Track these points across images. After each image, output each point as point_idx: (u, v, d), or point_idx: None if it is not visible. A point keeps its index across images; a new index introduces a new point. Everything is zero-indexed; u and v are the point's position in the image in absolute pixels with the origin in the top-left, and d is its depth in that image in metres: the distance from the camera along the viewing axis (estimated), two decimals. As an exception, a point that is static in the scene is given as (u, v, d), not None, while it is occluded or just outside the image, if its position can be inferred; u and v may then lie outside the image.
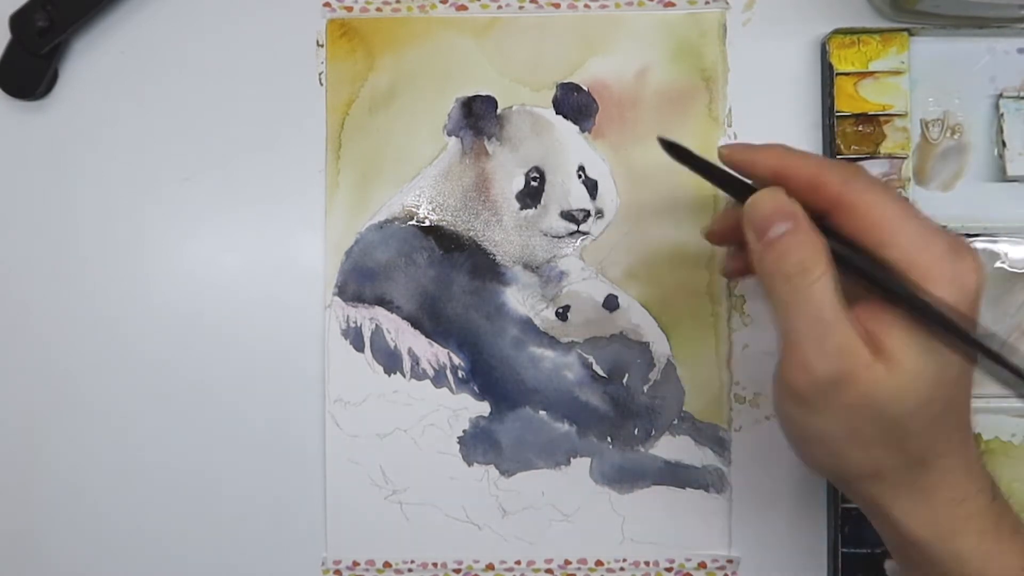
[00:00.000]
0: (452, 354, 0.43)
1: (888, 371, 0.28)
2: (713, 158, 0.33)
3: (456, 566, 0.44)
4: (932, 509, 0.30)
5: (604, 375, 0.43)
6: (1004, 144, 0.42)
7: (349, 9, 0.44)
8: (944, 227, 0.31)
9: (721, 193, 0.43)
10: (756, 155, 0.31)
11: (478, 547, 0.43)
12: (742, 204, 0.31)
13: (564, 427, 0.43)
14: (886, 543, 0.33)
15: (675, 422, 0.43)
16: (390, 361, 0.44)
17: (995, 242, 0.43)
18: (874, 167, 0.42)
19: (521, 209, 0.44)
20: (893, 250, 0.29)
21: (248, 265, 0.44)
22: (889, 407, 0.29)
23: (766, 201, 0.30)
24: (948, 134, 0.43)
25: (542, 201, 0.44)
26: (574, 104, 0.44)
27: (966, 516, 0.30)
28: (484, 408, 0.43)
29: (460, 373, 0.43)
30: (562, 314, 0.43)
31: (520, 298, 0.44)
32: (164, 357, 0.44)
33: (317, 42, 0.44)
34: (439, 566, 0.44)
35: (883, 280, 0.29)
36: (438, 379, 0.43)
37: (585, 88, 0.44)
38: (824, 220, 0.30)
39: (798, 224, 0.29)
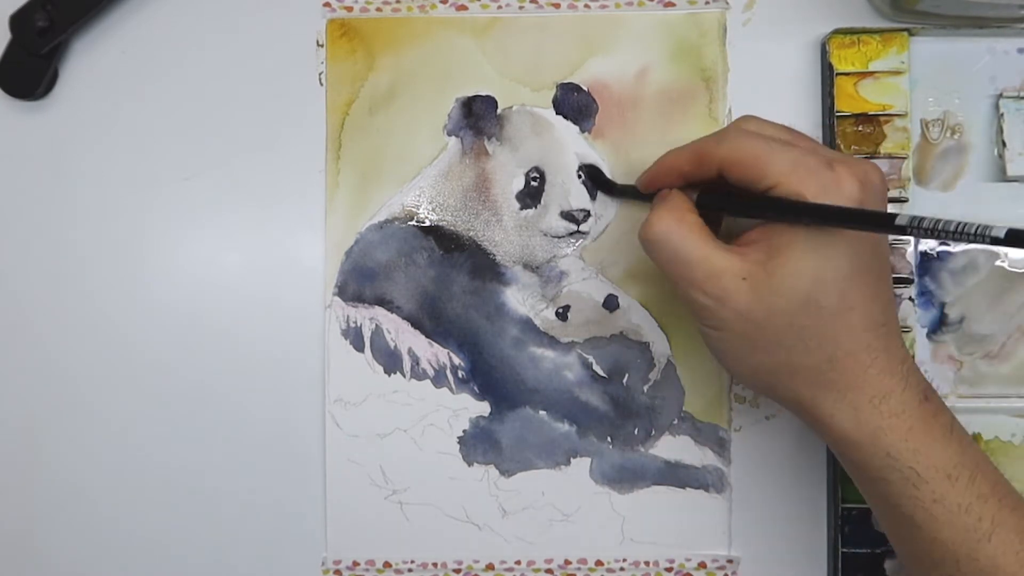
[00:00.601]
0: (452, 354, 0.43)
1: (766, 278, 0.32)
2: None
3: (456, 566, 0.44)
4: (854, 407, 0.32)
5: (604, 375, 0.43)
6: (1004, 144, 0.42)
7: (349, 9, 0.44)
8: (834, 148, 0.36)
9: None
10: (656, 170, 0.37)
11: (478, 547, 0.43)
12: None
13: (564, 427, 0.43)
14: (829, 446, 0.35)
15: (675, 422, 0.43)
16: (390, 361, 0.44)
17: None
18: (874, 167, 0.42)
19: (521, 209, 0.44)
20: (768, 179, 0.32)
21: (248, 265, 0.44)
22: (775, 309, 0.32)
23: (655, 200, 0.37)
24: (948, 134, 0.43)
25: (542, 201, 0.44)
26: (574, 104, 0.44)
27: (891, 413, 0.32)
28: (484, 408, 0.43)
29: (460, 373, 0.43)
30: (562, 314, 0.43)
31: (520, 298, 0.44)
32: (164, 357, 0.44)
33: (317, 42, 0.44)
34: (439, 566, 0.44)
35: (757, 205, 0.33)
36: (438, 379, 0.43)
37: (585, 88, 0.44)
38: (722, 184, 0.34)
39: (663, 196, 0.36)
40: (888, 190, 0.34)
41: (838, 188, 0.31)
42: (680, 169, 0.35)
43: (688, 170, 0.35)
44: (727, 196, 0.34)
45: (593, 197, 0.43)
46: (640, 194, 0.39)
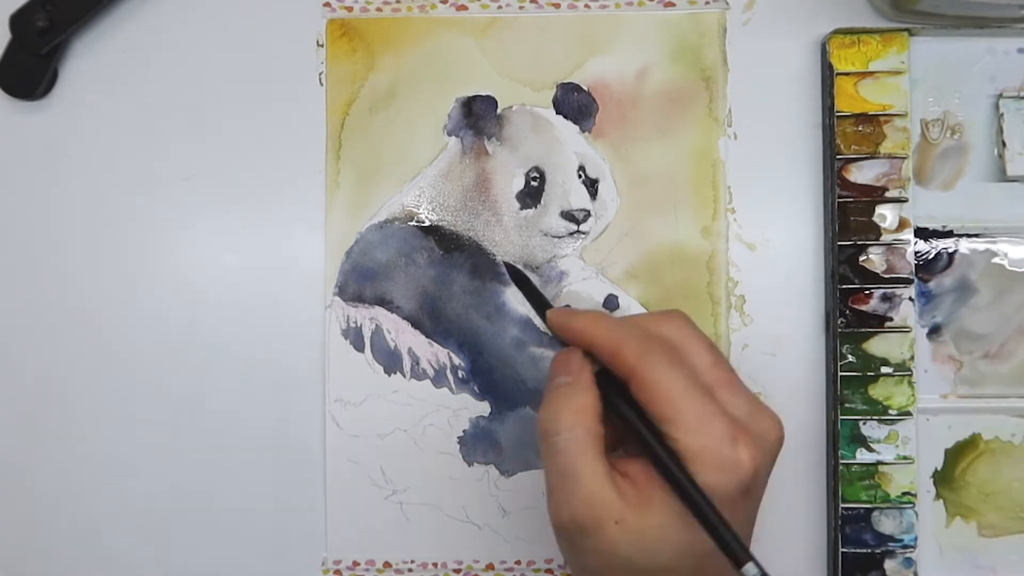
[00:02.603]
0: (452, 354, 0.43)
1: (639, 524, 0.31)
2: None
3: (456, 566, 0.44)
4: None
5: (604, 375, 0.43)
6: (1004, 144, 0.42)
7: (349, 9, 0.44)
8: (747, 401, 0.33)
9: (722, 193, 0.43)
10: (570, 323, 0.34)
11: (478, 547, 0.43)
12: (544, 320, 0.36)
13: (564, 427, 0.43)
14: None
15: (675, 422, 0.43)
16: (390, 361, 0.44)
17: (995, 242, 0.43)
18: (874, 167, 0.42)
19: (521, 209, 0.44)
20: (672, 427, 0.30)
21: (248, 265, 0.44)
22: (636, 559, 0.31)
23: (560, 355, 0.34)
24: (948, 134, 0.43)
25: (542, 201, 0.44)
26: (574, 104, 0.44)
27: None
28: (484, 408, 0.43)
29: (460, 373, 0.43)
30: (562, 314, 0.43)
31: (520, 298, 0.43)
32: (163, 357, 0.44)
33: (317, 42, 0.44)
34: (439, 566, 0.44)
35: (651, 450, 0.31)
36: (438, 379, 0.43)
37: (585, 88, 0.44)
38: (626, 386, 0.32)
39: (577, 380, 0.32)
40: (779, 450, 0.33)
41: (734, 468, 0.30)
42: (596, 345, 0.33)
43: (599, 353, 0.33)
44: (626, 407, 0.32)
45: (593, 197, 0.43)
46: (539, 308, 0.37)
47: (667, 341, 0.33)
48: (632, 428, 0.32)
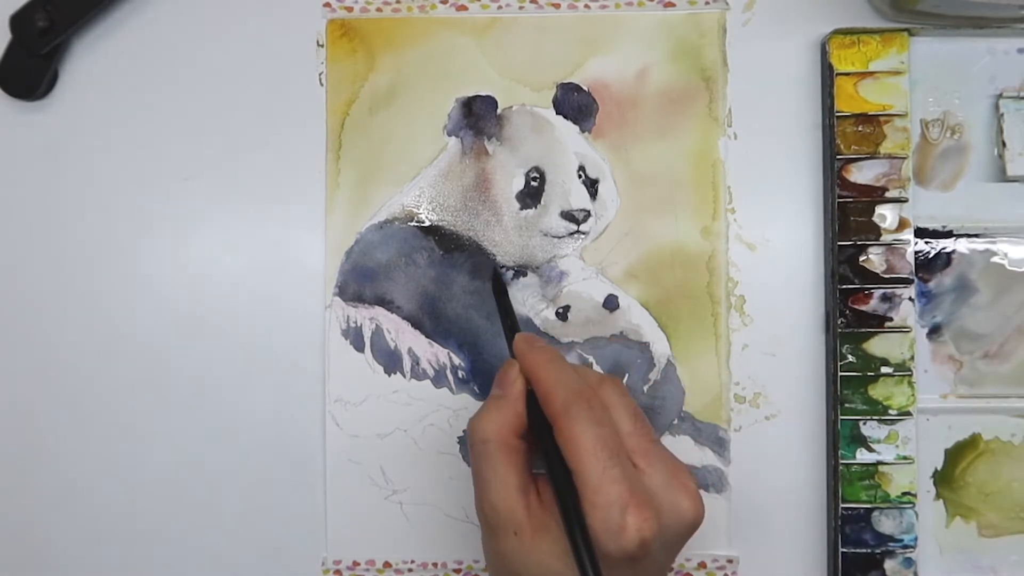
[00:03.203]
0: (452, 354, 0.43)
1: (531, 542, 0.32)
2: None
3: (456, 566, 0.44)
4: None
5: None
6: (1004, 144, 0.42)
7: (349, 9, 0.44)
8: (665, 475, 0.34)
9: (722, 193, 0.43)
10: (525, 354, 0.36)
11: (478, 547, 0.43)
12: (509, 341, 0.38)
13: (564, 427, 0.43)
14: None
15: (675, 422, 0.43)
16: (390, 361, 0.44)
17: (995, 242, 0.43)
18: (874, 167, 0.42)
19: (521, 209, 0.44)
20: (577, 479, 0.32)
21: (248, 265, 0.44)
22: (520, 573, 0.33)
23: (504, 366, 0.36)
24: (948, 134, 0.43)
25: (542, 201, 0.44)
26: (574, 104, 0.44)
27: None
28: (484, 408, 0.43)
29: (460, 373, 0.43)
30: (562, 314, 0.43)
31: (520, 298, 0.44)
32: (164, 357, 0.44)
33: (317, 42, 0.44)
34: (439, 566, 0.44)
35: (554, 483, 0.33)
36: (438, 379, 0.43)
37: (585, 88, 0.44)
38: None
39: (506, 395, 0.35)
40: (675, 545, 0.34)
41: (618, 535, 0.31)
42: (534, 384, 0.35)
43: (537, 393, 0.35)
44: (543, 441, 0.34)
45: (593, 197, 0.43)
46: (508, 329, 0.39)
47: (596, 397, 0.34)
48: (546, 462, 0.34)
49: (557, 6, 0.44)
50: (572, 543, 0.31)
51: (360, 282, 0.44)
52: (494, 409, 0.34)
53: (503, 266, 0.44)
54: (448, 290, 0.43)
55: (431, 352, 0.43)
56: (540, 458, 0.34)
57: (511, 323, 0.40)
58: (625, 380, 0.43)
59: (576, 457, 0.32)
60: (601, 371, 0.43)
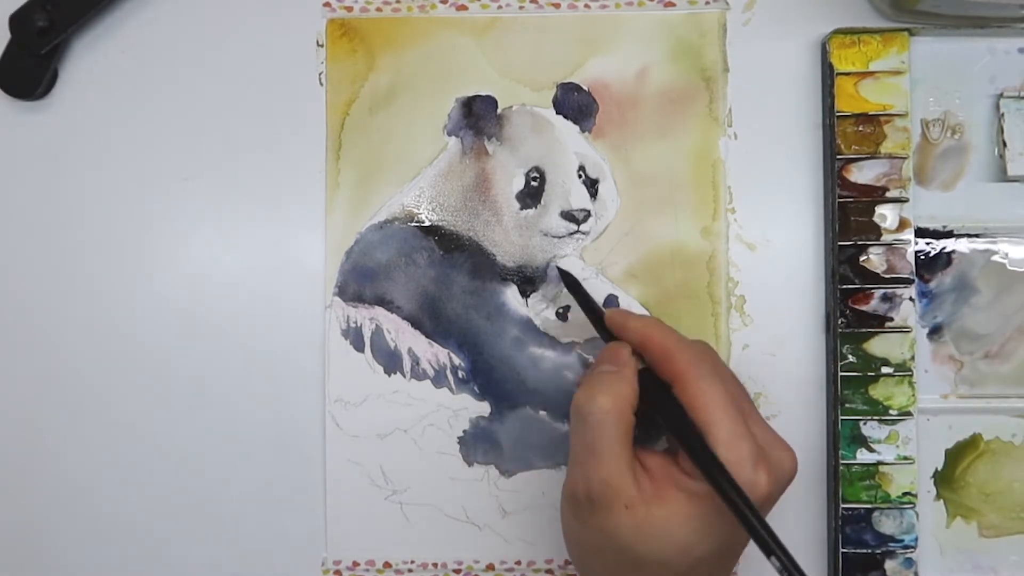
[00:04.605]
0: (452, 354, 0.43)
1: (644, 520, 0.32)
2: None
3: (456, 566, 0.44)
4: None
5: (604, 375, 0.43)
6: (1004, 144, 0.42)
7: (349, 9, 0.44)
8: (766, 431, 0.35)
9: (723, 193, 0.43)
10: (628, 322, 0.36)
11: (478, 547, 0.43)
12: (599, 326, 0.38)
13: (564, 427, 0.43)
14: None
15: (675, 422, 0.43)
16: (390, 361, 0.43)
17: (995, 242, 0.43)
18: (874, 167, 0.42)
19: (521, 209, 0.44)
20: (708, 436, 0.32)
21: (248, 265, 0.44)
22: (634, 546, 0.32)
23: (611, 346, 0.36)
24: (948, 134, 0.43)
25: (542, 201, 0.44)
26: (574, 104, 0.44)
27: None
28: (484, 408, 0.43)
29: (460, 373, 0.43)
30: (562, 314, 0.43)
31: (520, 298, 0.43)
32: (164, 357, 0.44)
33: (317, 42, 0.44)
34: (439, 566, 0.44)
35: (686, 445, 0.33)
36: (438, 379, 0.43)
37: (585, 88, 0.44)
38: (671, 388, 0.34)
39: (621, 371, 0.35)
40: (792, 479, 0.35)
41: (752, 488, 0.32)
42: (650, 347, 0.35)
43: (651, 355, 0.35)
44: (663, 406, 0.34)
45: (593, 197, 0.43)
46: (591, 314, 0.39)
47: (714, 357, 0.35)
48: (672, 426, 0.34)
49: (557, 6, 0.44)
50: (720, 492, 0.31)
51: (360, 282, 0.44)
52: (611, 382, 0.34)
53: (503, 266, 0.43)
54: (448, 290, 0.43)
55: (431, 352, 0.43)
56: (646, 431, 0.35)
57: (594, 308, 0.39)
58: (625, 380, 0.43)
59: (708, 412, 0.32)
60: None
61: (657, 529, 0.32)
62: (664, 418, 0.34)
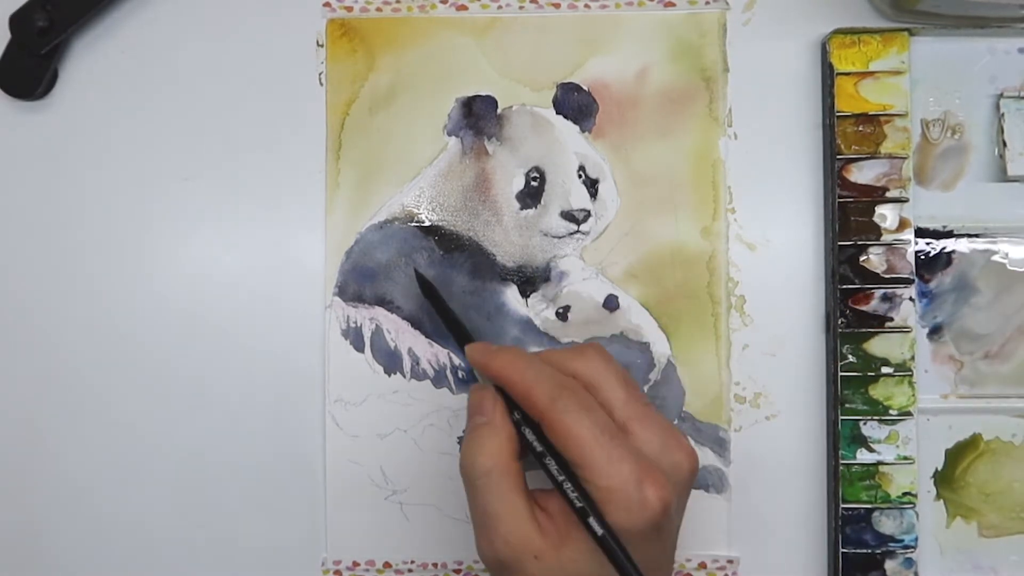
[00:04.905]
0: (452, 354, 0.43)
1: (556, 559, 0.32)
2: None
3: (456, 566, 0.44)
4: None
5: (604, 375, 0.43)
6: (1005, 144, 0.42)
7: (349, 9, 0.44)
8: (658, 434, 0.33)
9: (723, 193, 0.43)
10: (488, 361, 0.34)
11: (478, 547, 0.43)
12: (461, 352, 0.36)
13: (564, 427, 0.43)
14: None
15: (675, 422, 0.43)
16: (390, 361, 0.43)
17: (995, 242, 0.43)
18: (874, 167, 0.42)
19: (521, 209, 0.44)
20: (581, 470, 0.31)
21: (248, 265, 0.44)
22: None
23: (474, 393, 0.35)
24: (949, 134, 0.43)
25: (542, 201, 0.44)
26: (574, 104, 0.44)
27: None
28: (484, 408, 0.43)
29: (460, 373, 0.43)
30: (562, 314, 0.43)
31: (520, 298, 0.43)
32: (164, 357, 0.44)
33: (317, 42, 0.44)
34: (439, 566, 0.44)
35: (564, 493, 0.32)
36: (438, 379, 0.43)
37: (585, 88, 0.44)
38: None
39: (491, 421, 0.33)
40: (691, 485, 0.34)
41: (642, 509, 0.31)
42: (510, 386, 0.33)
43: (514, 394, 0.33)
44: (540, 447, 0.33)
45: (593, 197, 0.43)
46: (458, 336, 0.38)
47: (581, 380, 0.33)
48: (545, 471, 0.33)
49: (557, 6, 0.44)
50: (595, 538, 0.31)
51: (360, 282, 0.44)
52: (484, 437, 0.33)
53: (503, 266, 0.43)
54: (448, 290, 0.43)
55: (431, 352, 0.43)
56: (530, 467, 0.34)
57: (458, 331, 0.38)
58: (625, 380, 0.43)
59: (577, 449, 0.31)
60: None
61: (574, 567, 0.32)
62: (538, 461, 0.33)
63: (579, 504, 0.31)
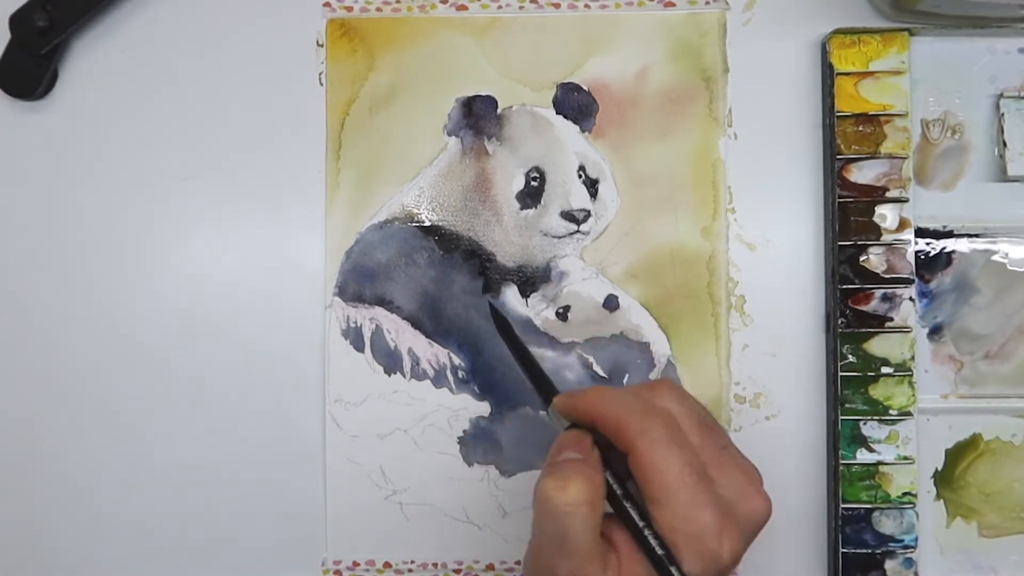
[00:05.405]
0: (452, 354, 0.43)
1: None
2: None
3: (456, 566, 0.44)
4: None
5: (604, 375, 0.43)
6: (1005, 144, 0.42)
7: (349, 9, 0.44)
8: (738, 476, 0.33)
9: (723, 193, 0.43)
10: (576, 401, 0.34)
11: (478, 547, 0.43)
12: (545, 403, 0.35)
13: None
14: None
15: (675, 422, 0.43)
16: (390, 361, 0.43)
17: (995, 242, 0.43)
18: (874, 167, 0.42)
19: (521, 209, 0.44)
20: (663, 510, 0.31)
21: (248, 265, 0.44)
22: None
23: (572, 434, 0.33)
24: (949, 134, 0.43)
25: (542, 201, 0.44)
26: (574, 104, 0.44)
27: None
28: (484, 408, 0.43)
29: (460, 373, 0.43)
30: (562, 314, 0.43)
31: (520, 299, 0.43)
32: (164, 357, 0.44)
33: (317, 42, 0.44)
34: (439, 566, 0.44)
35: (638, 536, 0.31)
36: (438, 379, 0.43)
37: (585, 88, 0.44)
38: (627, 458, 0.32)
39: (588, 459, 0.32)
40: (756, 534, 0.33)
41: (715, 560, 0.30)
42: (600, 419, 0.33)
43: (603, 427, 0.33)
44: (620, 492, 0.32)
45: (593, 197, 0.43)
46: (535, 378, 0.36)
47: (667, 414, 0.32)
48: (623, 516, 0.32)
49: (557, 6, 0.44)
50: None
51: (360, 282, 0.44)
52: (579, 470, 0.32)
53: (503, 266, 0.43)
54: (448, 290, 0.43)
55: (431, 352, 0.43)
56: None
57: (540, 378, 0.36)
58: (625, 380, 0.43)
59: (663, 485, 0.30)
60: (605, 375, 0.43)
61: None
62: (614, 505, 0.32)
63: (660, 552, 0.31)
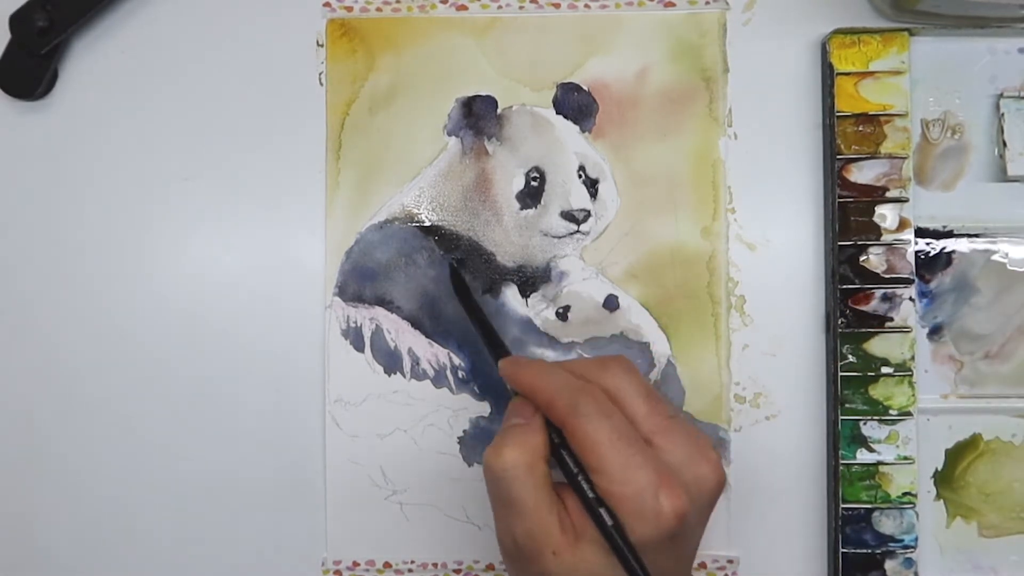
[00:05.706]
0: (452, 354, 0.43)
1: (573, 555, 0.32)
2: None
3: (456, 566, 0.44)
4: None
5: (604, 375, 0.43)
6: (1005, 144, 0.42)
7: (349, 9, 0.44)
8: (683, 447, 0.33)
9: (723, 193, 0.43)
10: (517, 372, 0.35)
11: (478, 547, 0.43)
12: (495, 362, 0.37)
13: (564, 427, 0.43)
14: None
15: (675, 422, 0.43)
16: (390, 361, 0.44)
17: (995, 242, 0.43)
18: (874, 167, 0.42)
19: (521, 209, 0.44)
20: (598, 475, 0.32)
21: (248, 265, 0.44)
22: None
23: (516, 402, 0.35)
24: (949, 134, 0.43)
25: (542, 201, 0.44)
26: (574, 104, 0.44)
27: None
28: (484, 408, 0.43)
29: (460, 373, 0.43)
30: (562, 314, 0.43)
31: (520, 298, 0.43)
32: (164, 357, 0.44)
33: (317, 42, 0.44)
34: (439, 566, 0.44)
35: (583, 498, 0.32)
36: (438, 379, 0.43)
37: (585, 88, 0.44)
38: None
39: (530, 423, 0.34)
40: (715, 500, 0.34)
41: (656, 519, 0.31)
42: (536, 395, 0.34)
43: (538, 403, 0.34)
44: (565, 456, 0.33)
45: (593, 197, 0.43)
46: (488, 339, 0.38)
47: (604, 390, 0.34)
48: (566, 475, 0.33)
49: (557, 6, 0.44)
50: (610, 542, 0.31)
51: (360, 282, 0.44)
52: (518, 435, 0.34)
53: (503, 266, 0.43)
54: (448, 290, 0.43)
55: (431, 352, 0.43)
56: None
57: (493, 341, 0.38)
58: (625, 380, 0.43)
59: (595, 454, 0.32)
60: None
61: (588, 567, 0.32)
62: (560, 468, 0.33)
63: (591, 495, 0.32)
